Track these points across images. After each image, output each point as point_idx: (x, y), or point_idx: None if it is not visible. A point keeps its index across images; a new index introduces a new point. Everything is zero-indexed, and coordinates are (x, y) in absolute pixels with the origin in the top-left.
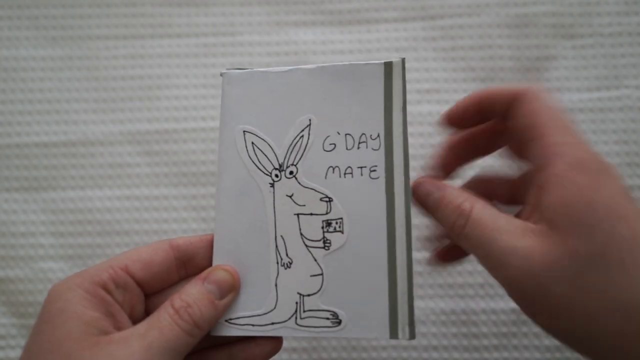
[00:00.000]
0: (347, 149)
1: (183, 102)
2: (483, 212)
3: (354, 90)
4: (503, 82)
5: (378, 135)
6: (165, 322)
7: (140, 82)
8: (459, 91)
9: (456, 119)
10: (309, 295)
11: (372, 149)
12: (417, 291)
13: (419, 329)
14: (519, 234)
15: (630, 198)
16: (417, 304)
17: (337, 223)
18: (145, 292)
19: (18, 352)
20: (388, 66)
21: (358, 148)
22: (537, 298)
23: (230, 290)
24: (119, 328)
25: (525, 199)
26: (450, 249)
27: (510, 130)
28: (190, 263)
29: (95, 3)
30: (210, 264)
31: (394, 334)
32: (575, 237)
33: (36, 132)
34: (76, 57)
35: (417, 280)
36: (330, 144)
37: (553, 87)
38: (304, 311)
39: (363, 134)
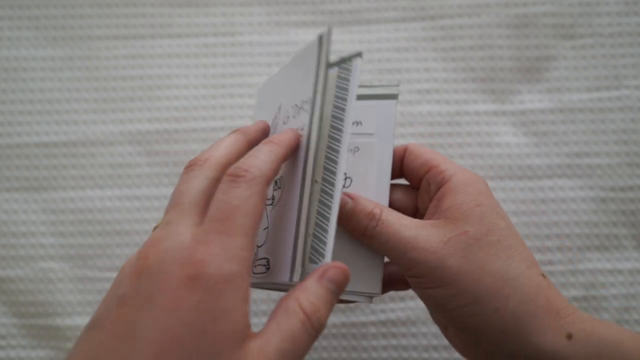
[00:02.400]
0: (293, 117)
1: (183, 102)
2: (390, 215)
3: (303, 67)
4: (503, 82)
5: (309, 99)
6: (299, 333)
7: (141, 82)
8: (459, 91)
9: None
10: (260, 246)
11: (305, 111)
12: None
13: (419, 328)
14: (421, 226)
15: (502, 209)
16: (417, 303)
17: (280, 181)
18: None
19: (19, 352)
20: (320, 38)
21: (298, 114)
22: (436, 271)
23: (343, 288)
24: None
25: (425, 212)
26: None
27: (406, 171)
28: None
29: (95, 3)
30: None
31: (291, 276)
32: (466, 224)
33: (36, 132)
34: (76, 57)
35: None
36: (287, 117)
37: (553, 87)
38: (257, 260)
39: (302, 100)
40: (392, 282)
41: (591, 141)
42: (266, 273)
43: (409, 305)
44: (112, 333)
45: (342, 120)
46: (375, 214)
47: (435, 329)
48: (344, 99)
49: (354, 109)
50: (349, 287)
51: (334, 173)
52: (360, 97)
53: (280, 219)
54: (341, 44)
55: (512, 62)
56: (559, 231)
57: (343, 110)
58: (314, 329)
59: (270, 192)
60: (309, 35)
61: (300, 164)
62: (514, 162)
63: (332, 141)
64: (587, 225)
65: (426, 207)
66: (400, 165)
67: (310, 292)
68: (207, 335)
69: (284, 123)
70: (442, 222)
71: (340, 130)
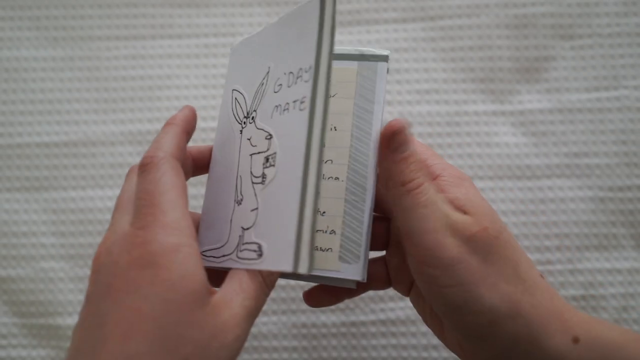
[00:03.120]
0: (288, 86)
1: (183, 102)
2: (431, 186)
3: (298, 30)
4: (502, 83)
5: (310, 67)
6: (258, 292)
7: (141, 82)
8: (458, 91)
9: None
10: (247, 228)
11: (304, 81)
12: None
13: (419, 328)
14: (452, 208)
15: None
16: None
17: (272, 158)
18: None
19: (19, 351)
20: (323, 1)
21: (296, 83)
22: (457, 265)
23: None
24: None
25: None
26: (318, 292)
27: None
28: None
29: (96, 4)
30: None
31: (295, 266)
32: (484, 220)
33: (37, 132)
34: (77, 57)
35: None
36: (278, 85)
37: (552, 87)
38: (243, 244)
39: (300, 68)
40: (372, 280)
41: (590, 141)
42: (258, 260)
43: (408, 305)
44: (83, 327)
45: (369, 122)
46: (432, 172)
47: None
48: (370, 101)
49: (383, 112)
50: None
51: (363, 176)
52: (345, 57)
53: (275, 201)
54: (341, 45)
55: (511, 63)
56: (558, 231)
57: (370, 112)
58: (269, 289)
59: (259, 169)
60: None
61: (301, 142)
62: (513, 162)
63: (357, 141)
64: (586, 225)
65: None
66: None
67: None
68: (170, 303)
69: (275, 92)
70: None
71: (365, 131)
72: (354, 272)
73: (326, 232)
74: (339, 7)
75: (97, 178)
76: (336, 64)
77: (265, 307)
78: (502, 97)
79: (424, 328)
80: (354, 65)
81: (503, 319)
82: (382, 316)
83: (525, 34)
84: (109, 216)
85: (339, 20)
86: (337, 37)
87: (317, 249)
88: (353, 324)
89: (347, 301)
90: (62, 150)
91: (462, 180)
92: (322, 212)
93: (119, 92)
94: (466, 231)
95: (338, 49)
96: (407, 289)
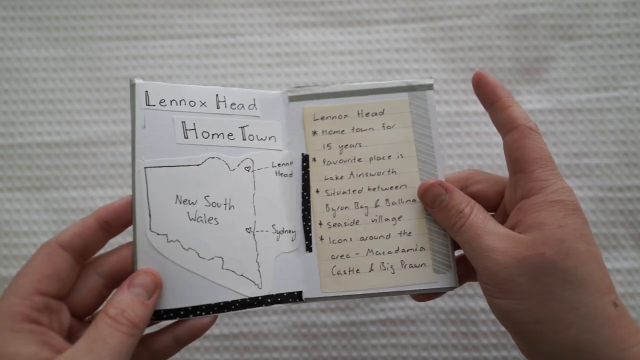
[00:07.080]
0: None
1: None
2: (478, 217)
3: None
4: (502, 83)
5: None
6: (107, 332)
7: None
8: (458, 92)
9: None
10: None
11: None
12: None
13: (419, 327)
14: (501, 236)
15: (589, 229)
16: (417, 302)
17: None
18: (67, 303)
19: None
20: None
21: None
22: (506, 284)
23: (155, 288)
24: (59, 351)
25: (508, 212)
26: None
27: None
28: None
29: (97, 4)
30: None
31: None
32: (544, 245)
33: (38, 132)
34: (78, 57)
35: None
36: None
37: (552, 87)
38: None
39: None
40: (461, 275)
41: (590, 141)
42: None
43: (408, 304)
44: None
45: (430, 145)
46: (465, 213)
47: (434, 327)
48: (427, 127)
49: (438, 135)
50: (430, 285)
51: None
52: (396, 90)
53: None
54: (341, 45)
55: (511, 63)
56: None
57: (429, 137)
58: (124, 325)
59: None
60: (309, 36)
61: None
62: None
63: (423, 164)
64: None
65: (510, 202)
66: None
67: (115, 300)
68: None
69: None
70: (522, 237)
71: (428, 154)
72: (449, 280)
73: (416, 250)
74: (339, 7)
75: (97, 178)
76: (389, 97)
77: (265, 307)
78: None
79: (424, 327)
80: (404, 96)
81: (550, 334)
82: (382, 316)
83: (525, 34)
84: None
85: (339, 20)
86: (337, 37)
87: (411, 266)
88: (353, 323)
89: (347, 301)
90: (62, 150)
91: (553, 203)
92: (408, 232)
93: (120, 92)
94: (518, 255)
95: (387, 82)
96: None
